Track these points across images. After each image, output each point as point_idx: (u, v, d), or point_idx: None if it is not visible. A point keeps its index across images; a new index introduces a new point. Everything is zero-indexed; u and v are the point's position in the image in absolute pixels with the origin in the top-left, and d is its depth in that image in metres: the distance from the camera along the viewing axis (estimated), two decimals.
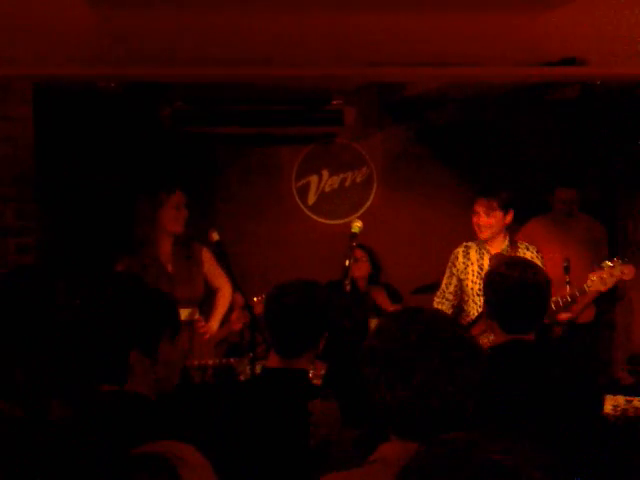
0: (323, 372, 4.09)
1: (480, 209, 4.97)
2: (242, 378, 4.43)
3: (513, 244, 5.04)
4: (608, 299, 5.72)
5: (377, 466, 1.89)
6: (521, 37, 3.81)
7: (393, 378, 1.88)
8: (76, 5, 3.55)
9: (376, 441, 1.98)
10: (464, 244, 5.19)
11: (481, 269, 5.00)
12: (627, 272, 4.53)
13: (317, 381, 3.79)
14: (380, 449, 1.92)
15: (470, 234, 5.23)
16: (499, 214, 4.97)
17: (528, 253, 4.97)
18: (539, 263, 4.93)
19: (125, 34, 4.01)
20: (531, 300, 3.13)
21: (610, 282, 4.53)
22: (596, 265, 5.31)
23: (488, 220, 4.97)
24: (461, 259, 5.12)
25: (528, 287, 3.11)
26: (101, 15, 3.73)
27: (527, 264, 3.37)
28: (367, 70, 4.40)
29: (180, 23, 4.01)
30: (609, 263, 4.61)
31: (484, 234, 5.02)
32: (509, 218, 5.01)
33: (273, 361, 3.01)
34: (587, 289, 4.65)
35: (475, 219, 5.01)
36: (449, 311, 5.20)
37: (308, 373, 3.08)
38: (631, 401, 4.57)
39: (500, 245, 5.03)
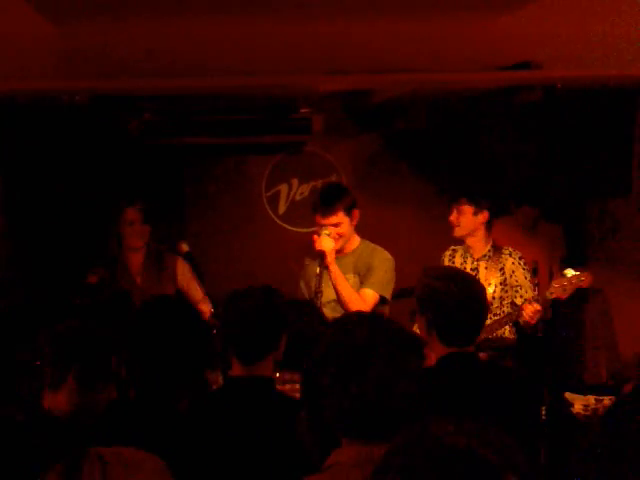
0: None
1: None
2: (214, 388, 4.43)
3: (496, 248, 5.04)
4: (577, 298, 5.78)
5: (333, 471, 1.92)
6: (479, 42, 3.85)
7: (347, 380, 1.92)
8: (37, 21, 3.56)
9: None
10: (451, 247, 5.19)
11: None
12: (585, 279, 4.58)
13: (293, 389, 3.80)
14: (334, 454, 1.96)
15: (442, 239, 5.26)
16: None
17: (510, 259, 4.98)
18: (521, 269, 4.97)
19: (87, 48, 4.02)
20: (472, 312, 3.13)
21: (569, 289, 4.57)
22: (557, 268, 5.38)
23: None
24: (446, 262, 5.15)
25: (468, 299, 3.11)
26: (63, 30, 3.74)
27: (462, 275, 3.37)
28: (330, 78, 4.42)
29: (142, 35, 4.02)
30: (571, 271, 4.65)
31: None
32: (481, 218, 5.03)
33: (236, 369, 3.03)
34: (549, 296, 4.69)
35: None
36: None
37: (273, 381, 3.10)
38: (601, 400, 4.63)
39: (482, 249, 5.04)
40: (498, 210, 5.43)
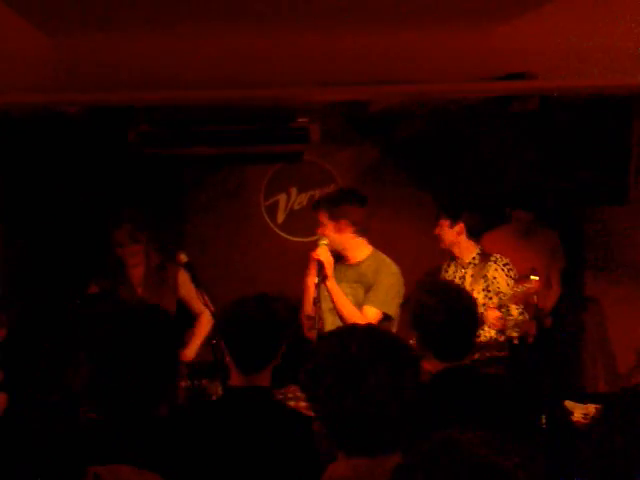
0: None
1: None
2: (215, 399, 4.43)
3: (483, 255, 5.09)
4: (575, 306, 5.79)
5: None
6: (474, 52, 3.86)
7: (343, 390, 1.92)
8: (31, 34, 3.56)
9: None
10: (449, 257, 5.28)
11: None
12: (532, 285, 4.63)
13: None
14: (330, 468, 1.96)
15: (442, 249, 5.29)
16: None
17: (494, 266, 5.02)
18: (503, 275, 5.00)
19: (82, 60, 4.03)
20: (462, 327, 3.15)
21: (520, 295, 4.64)
22: (558, 276, 5.41)
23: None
24: (442, 273, 5.24)
25: (458, 314, 3.13)
26: (57, 42, 3.75)
27: (452, 289, 3.38)
28: (326, 90, 4.43)
29: (138, 47, 4.02)
30: (533, 277, 4.69)
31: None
32: (456, 230, 5.09)
33: (235, 379, 3.04)
34: (506, 302, 4.76)
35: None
36: None
37: (270, 391, 3.10)
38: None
39: (467, 258, 5.11)
40: (492, 221, 5.48)
